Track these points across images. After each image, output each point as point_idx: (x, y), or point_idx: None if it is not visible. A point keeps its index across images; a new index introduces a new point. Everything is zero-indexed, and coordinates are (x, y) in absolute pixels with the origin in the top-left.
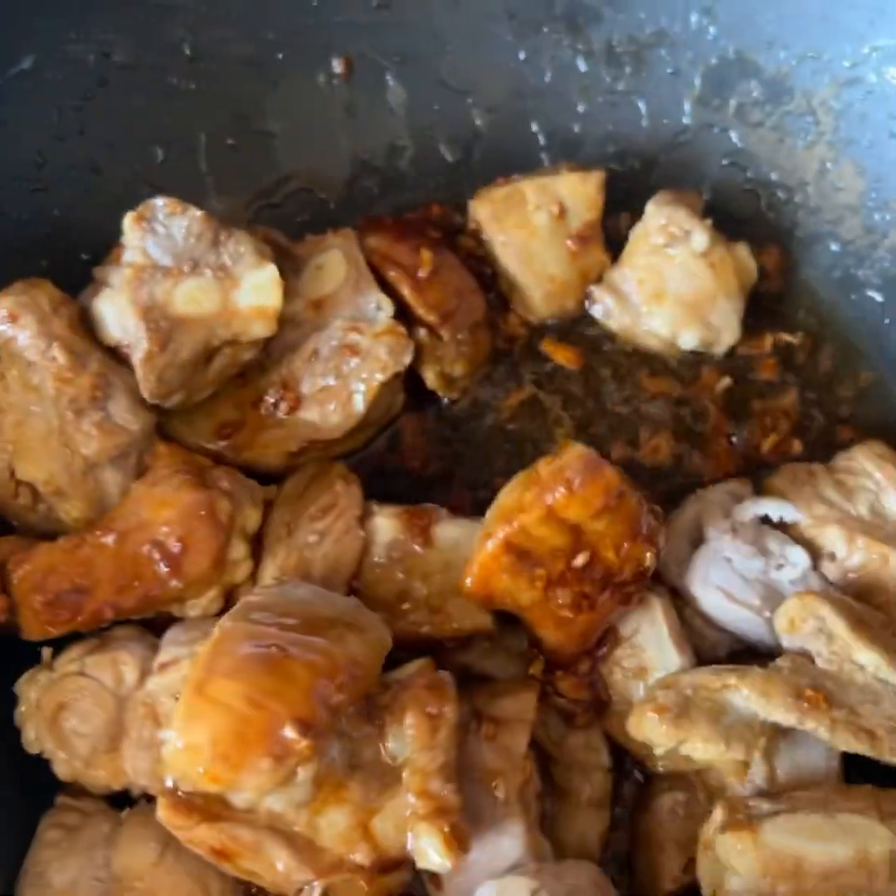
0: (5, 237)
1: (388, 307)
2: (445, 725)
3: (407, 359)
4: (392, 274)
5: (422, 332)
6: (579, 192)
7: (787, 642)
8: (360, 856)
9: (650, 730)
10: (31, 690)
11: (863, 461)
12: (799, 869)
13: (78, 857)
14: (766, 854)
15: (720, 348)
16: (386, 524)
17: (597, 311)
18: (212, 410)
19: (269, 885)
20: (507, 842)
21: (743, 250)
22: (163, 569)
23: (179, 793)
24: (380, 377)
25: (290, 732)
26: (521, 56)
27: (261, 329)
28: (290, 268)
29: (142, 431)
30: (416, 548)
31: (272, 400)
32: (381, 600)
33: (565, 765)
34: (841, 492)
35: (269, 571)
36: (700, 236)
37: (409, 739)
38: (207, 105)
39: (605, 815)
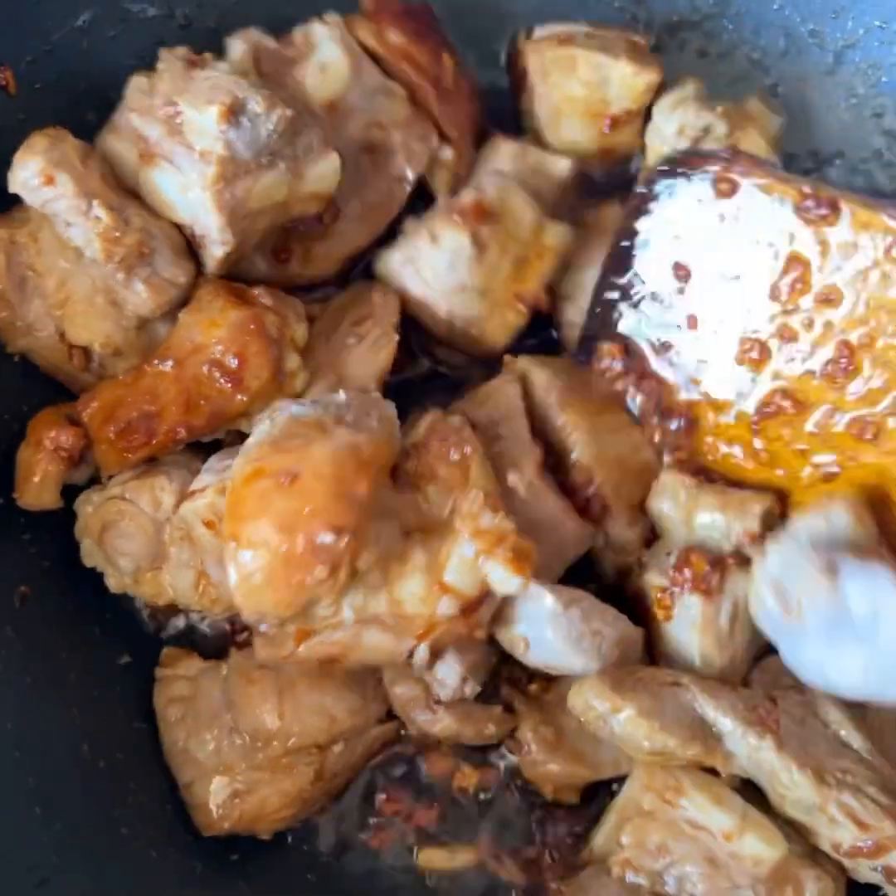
0: None
1: (399, 92)
2: (474, 463)
3: (434, 143)
4: (417, 81)
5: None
6: (628, 83)
7: None
8: (447, 608)
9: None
10: (86, 509)
11: None
12: None
13: (207, 728)
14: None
15: None
16: None
17: None
18: (261, 242)
19: (384, 662)
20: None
21: (755, 104)
22: (225, 384)
23: (267, 629)
24: (416, 167)
25: (327, 538)
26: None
27: (314, 208)
28: (287, 73)
29: (188, 283)
30: None
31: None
32: None
33: None
34: None
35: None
36: (720, 125)
37: (446, 491)
38: None
39: None
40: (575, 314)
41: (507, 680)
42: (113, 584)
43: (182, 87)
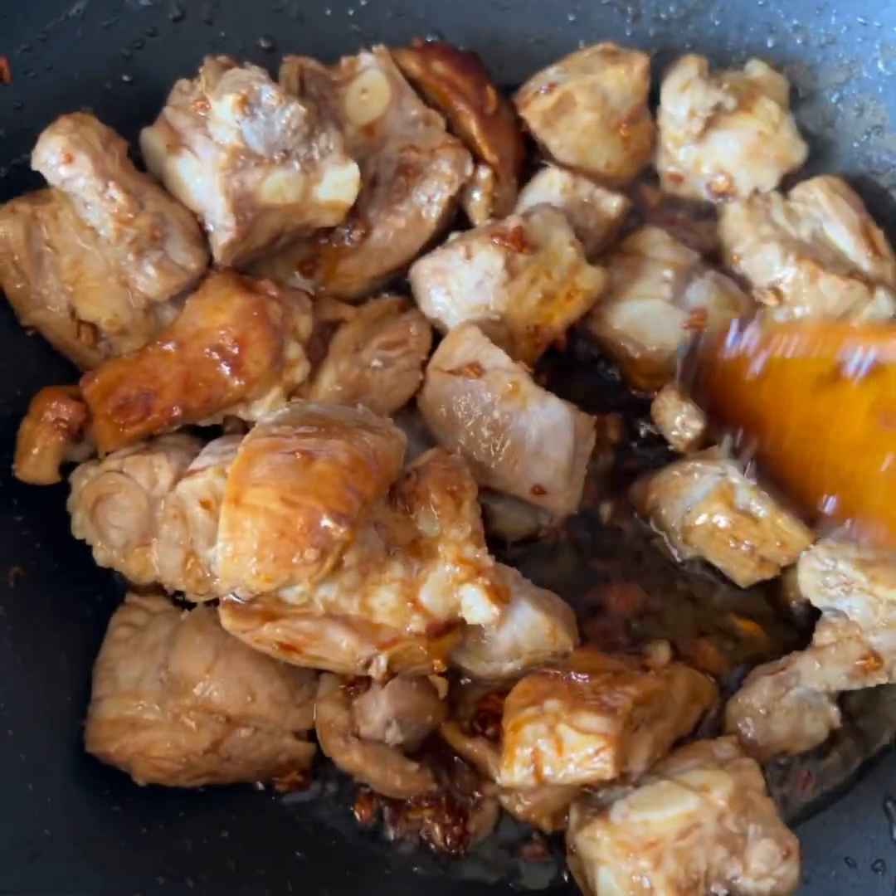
0: None
1: (438, 121)
2: (467, 499)
3: (468, 169)
4: (460, 107)
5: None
6: (625, 83)
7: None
8: (415, 625)
9: None
10: (81, 481)
11: (816, 191)
12: (655, 837)
13: (143, 657)
14: (621, 836)
15: (800, 159)
16: None
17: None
18: (287, 252)
19: (336, 666)
20: None
21: (761, 70)
22: (224, 369)
23: (239, 601)
24: (447, 190)
25: (328, 522)
26: (571, 19)
27: (331, 219)
28: (331, 95)
29: (199, 269)
30: None
31: (343, 230)
32: None
33: None
34: (790, 218)
35: (329, 377)
36: (730, 101)
37: (437, 517)
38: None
39: None
40: (635, 350)
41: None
42: (101, 557)
43: (214, 84)
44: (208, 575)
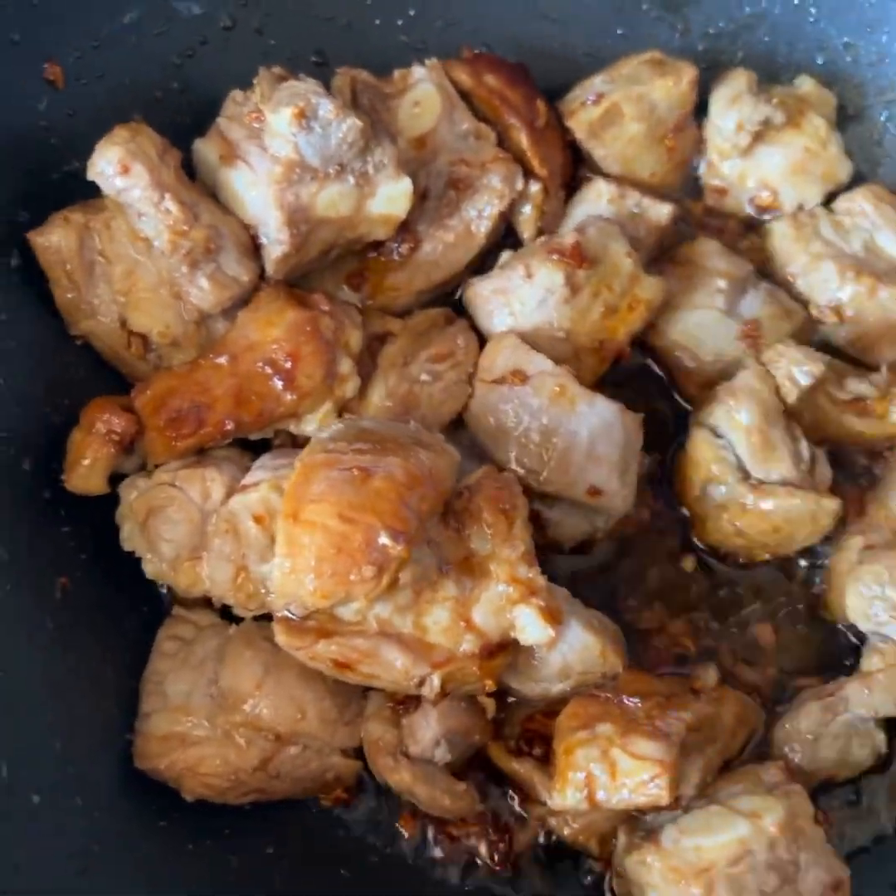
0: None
1: (489, 135)
2: (519, 517)
3: (519, 184)
4: (511, 120)
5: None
6: (673, 94)
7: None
8: (468, 645)
9: None
10: (130, 493)
11: (861, 202)
12: (706, 863)
13: (191, 671)
14: (672, 861)
15: (846, 176)
16: None
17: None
18: (336, 265)
19: (390, 685)
20: None
21: (810, 86)
22: (277, 383)
23: (294, 617)
24: (497, 205)
25: (385, 539)
26: (619, 32)
27: (382, 233)
28: (383, 107)
29: (251, 282)
30: None
31: (392, 244)
32: None
33: None
34: (839, 232)
35: (379, 392)
36: (778, 116)
37: (490, 536)
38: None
39: None
40: (689, 360)
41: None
42: (150, 570)
43: (269, 96)
44: (261, 590)
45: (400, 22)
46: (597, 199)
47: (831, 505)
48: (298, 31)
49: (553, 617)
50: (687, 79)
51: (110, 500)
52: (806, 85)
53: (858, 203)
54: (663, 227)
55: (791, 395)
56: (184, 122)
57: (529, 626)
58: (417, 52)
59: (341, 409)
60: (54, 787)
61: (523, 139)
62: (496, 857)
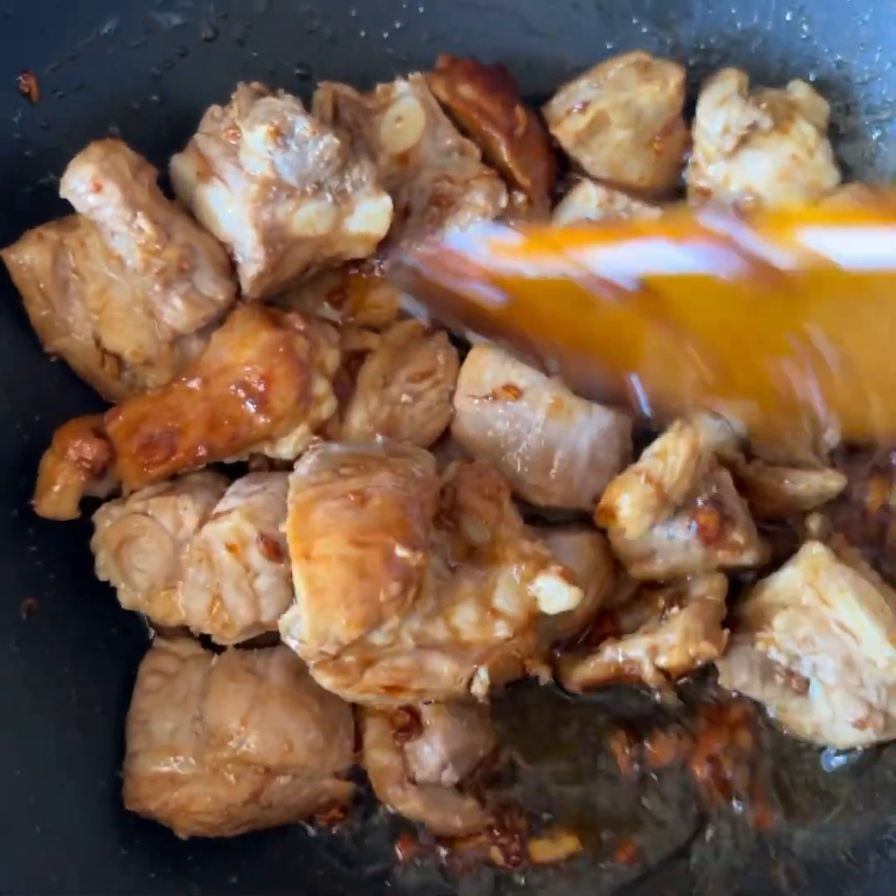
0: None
1: (473, 151)
2: (505, 498)
3: (503, 201)
4: (490, 132)
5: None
6: (660, 99)
7: None
8: (501, 632)
9: None
10: (104, 522)
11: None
12: None
13: (175, 708)
14: None
15: (831, 185)
16: None
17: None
18: (316, 282)
19: (441, 694)
20: None
21: (802, 91)
22: (250, 406)
23: (329, 656)
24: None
25: (402, 552)
26: (608, 46)
27: (361, 251)
28: (365, 122)
29: (227, 301)
30: None
31: (373, 261)
32: None
33: None
34: None
35: (359, 416)
36: (765, 121)
37: (484, 524)
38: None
39: None
40: None
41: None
42: (125, 600)
43: (246, 112)
44: (235, 619)
45: (385, 34)
46: (585, 202)
47: None
48: (281, 43)
49: (571, 578)
50: (673, 82)
51: (81, 520)
52: (798, 90)
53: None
54: None
55: None
56: (162, 135)
57: (555, 595)
58: (402, 65)
59: (318, 431)
60: (12, 814)
61: (503, 151)
62: (512, 858)
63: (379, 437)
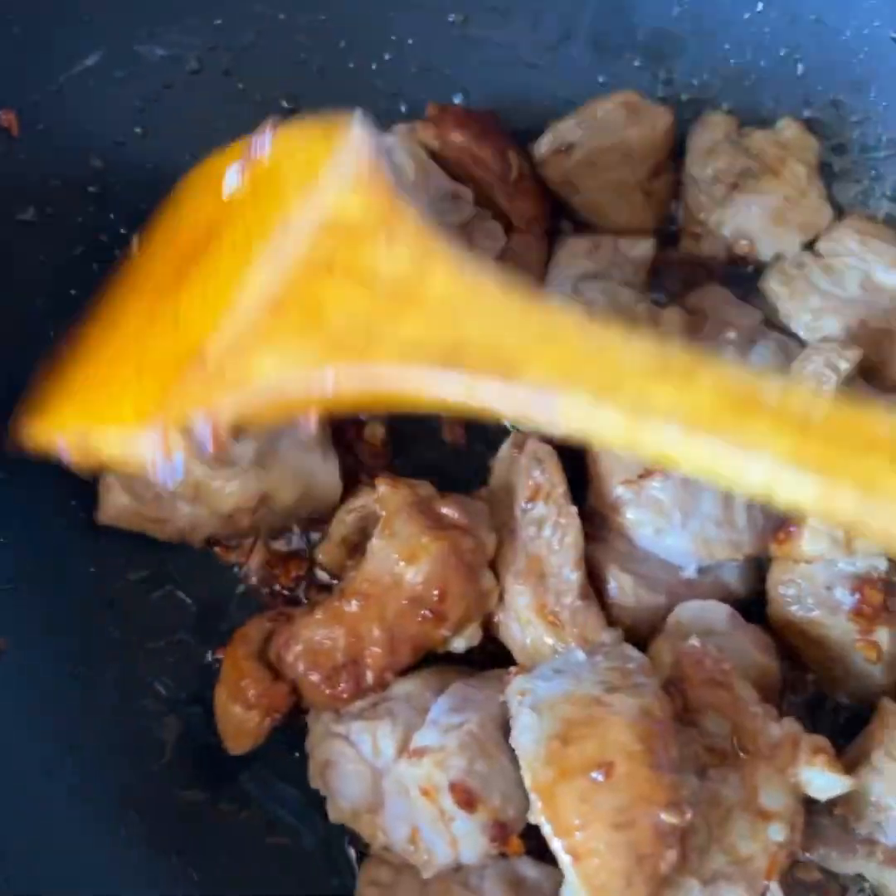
0: (59, 243)
1: (467, 195)
2: (735, 677)
3: (502, 241)
4: (483, 177)
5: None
6: (648, 140)
7: None
8: (777, 835)
9: None
10: (317, 726)
11: (846, 241)
12: None
13: None
14: None
15: (825, 223)
16: None
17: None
18: None
19: None
20: None
21: (792, 129)
22: (428, 618)
23: None
24: None
25: (668, 817)
26: (600, 80)
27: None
28: None
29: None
30: None
31: None
32: None
33: None
34: (831, 276)
35: (514, 586)
36: (755, 166)
37: (722, 716)
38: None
39: None
40: None
41: None
42: (333, 815)
43: None
44: (433, 856)
45: (374, 66)
46: (572, 259)
47: None
48: (269, 75)
49: (835, 763)
50: (661, 125)
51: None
52: (789, 130)
53: (844, 243)
54: (647, 261)
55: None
56: (146, 166)
57: (825, 787)
58: (391, 98)
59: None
60: None
61: (498, 196)
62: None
63: (579, 653)
